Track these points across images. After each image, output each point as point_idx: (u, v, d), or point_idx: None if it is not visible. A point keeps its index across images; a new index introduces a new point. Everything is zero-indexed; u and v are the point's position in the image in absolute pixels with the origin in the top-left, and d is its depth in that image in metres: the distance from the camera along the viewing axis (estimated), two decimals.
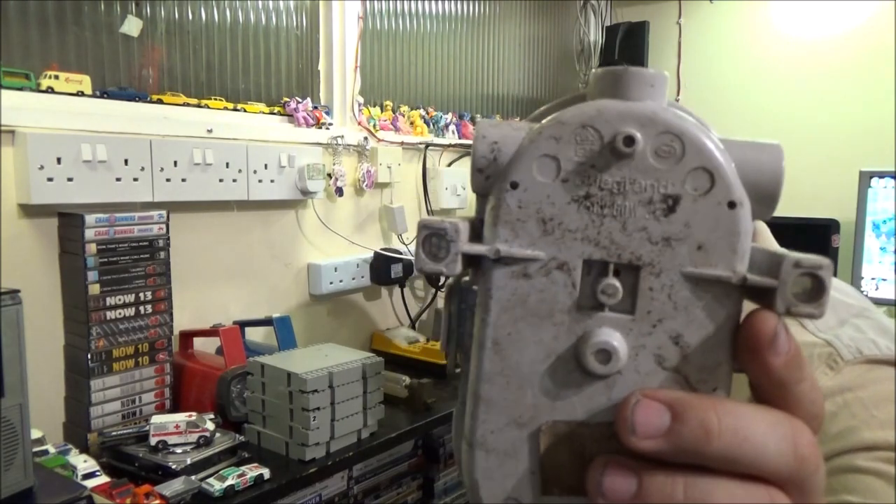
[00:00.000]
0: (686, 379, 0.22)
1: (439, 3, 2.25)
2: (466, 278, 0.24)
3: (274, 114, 1.76)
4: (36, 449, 1.10)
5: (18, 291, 0.90)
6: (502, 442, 0.22)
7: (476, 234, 0.23)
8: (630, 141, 0.21)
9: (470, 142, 2.25)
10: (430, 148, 2.10)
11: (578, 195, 0.22)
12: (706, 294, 0.21)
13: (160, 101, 1.52)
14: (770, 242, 0.75)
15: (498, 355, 0.22)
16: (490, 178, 0.22)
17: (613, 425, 0.21)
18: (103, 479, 1.10)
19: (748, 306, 0.22)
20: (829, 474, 0.56)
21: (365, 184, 1.89)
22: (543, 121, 0.22)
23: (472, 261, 0.23)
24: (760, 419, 0.21)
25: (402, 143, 2.00)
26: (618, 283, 0.22)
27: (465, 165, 2.22)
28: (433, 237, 0.22)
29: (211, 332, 1.48)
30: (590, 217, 0.22)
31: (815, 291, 0.21)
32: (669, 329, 0.22)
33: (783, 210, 0.88)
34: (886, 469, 0.54)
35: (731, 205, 0.21)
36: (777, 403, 0.22)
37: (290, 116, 1.77)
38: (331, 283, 1.81)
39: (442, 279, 1.89)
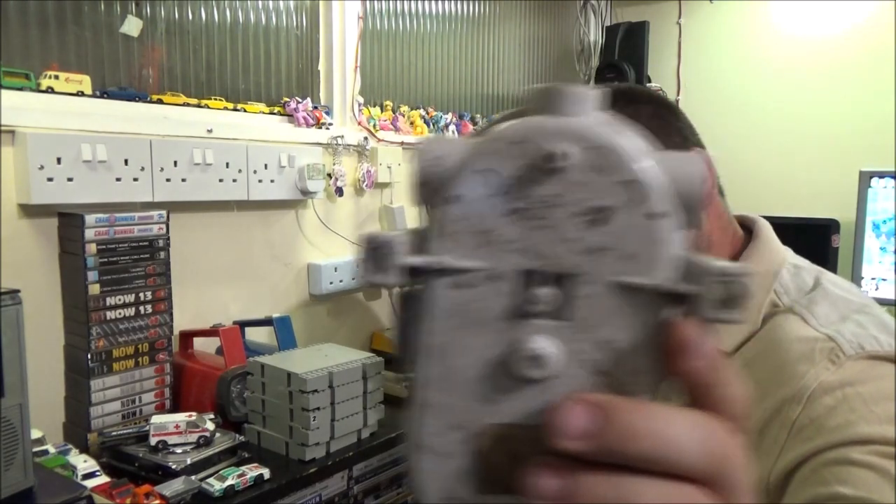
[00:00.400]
0: (616, 382, 0.22)
1: (439, 3, 2.25)
2: (416, 287, 0.24)
3: (274, 114, 1.76)
4: (36, 449, 1.10)
5: (18, 291, 0.90)
6: (444, 444, 0.23)
7: (422, 245, 0.23)
8: (561, 157, 0.22)
9: None
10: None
11: (514, 208, 0.22)
12: (634, 301, 0.22)
13: (160, 101, 1.52)
14: (772, 241, 0.74)
15: (439, 361, 0.23)
16: (432, 191, 0.23)
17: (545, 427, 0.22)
18: (103, 479, 1.10)
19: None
20: (824, 466, 0.57)
21: (365, 184, 1.89)
22: (483, 136, 0.23)
23: (416, 271, 0.23)
24: (681, 421, 0.22)
25: (402, 143, 2.00)
26: (550, 292, 0.22)
27: None
28: (376, 250, 0.23)
29: (211, 332, 1.48)
30: (525, 229, 0.22)
31: (738, 298, 0.22)
32: (600, 335, 0.22)
33: (783, 210, 0.89)
34: (880, 463, 0.54)
35: (657, 216, 0.22)
36: (702, 405, 0.23)
37: (290, 116, 1.77)
38: (331, 283, 1.81)
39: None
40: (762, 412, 0.62)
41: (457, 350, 0.23)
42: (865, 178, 2.23)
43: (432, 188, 0.23)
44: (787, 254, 0.74)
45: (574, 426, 0.21)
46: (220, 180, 1.52)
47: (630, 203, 0.22)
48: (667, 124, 0.73)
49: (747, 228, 0.76)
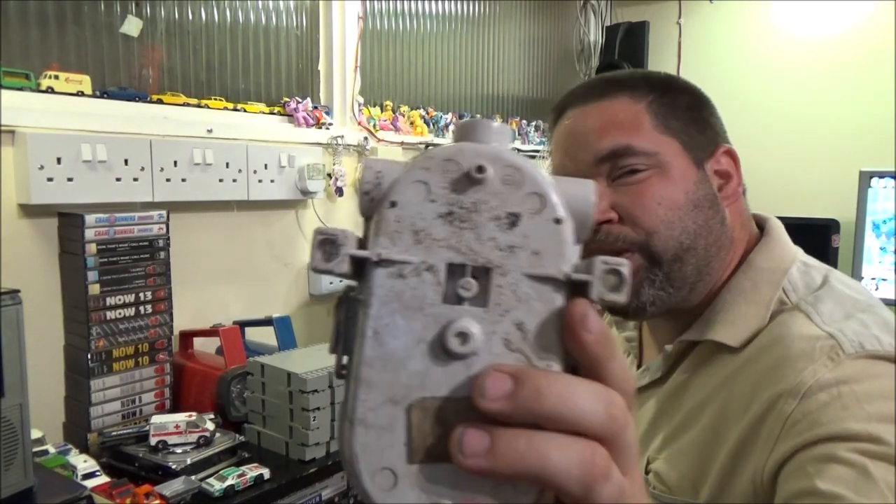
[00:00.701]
0: (527, 358, 0.27)
1: (439, 3, 2.25)
2: (353, 292, 0.29)
3: (274, 114, 1.76)
4: (36, 449, 1.10)
5: (18, 291, 0.90)
6: (380, 418, 0.26)
7: (362, 247, 0.28)
8: (481, 170, 0.27)
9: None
10: (430, 148, 2.10)
11: (443, 212, 0.27)
12: (541, 289, 0.27)
13: (160, 101, 1.52)
14: (783, 239, 0.75)
15: (377, 342, 0.27)
16: (374, 200, 0.27)
17: (470, 395, 0.26)
18: (103, 479, 1.10)
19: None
20: (809, 460, 0.58)
21: None
22: (416, 157, 0.28)
23: (357, 268, 0.27)
24: (582, 387, 0.26)
25: (402, 143, 2.00)
26: (472, 282, 0.27)
27: None
28: (326, 242, 0.27)
29: (211, 332, 1.48)
30: (452, 230, 0.27)
31: (620, 284, 0.27)
32: (514, 318, 0.27)
33: (783, 210, 0.90)
34: (860, 461, 0.55)
35: (557, 221, 0.27)
36: (594, 377, 0.27)
37: (290, 116, 1.77)
38: (331, 283, 1.81)
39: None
40: (760, 405, 0.63)
41: (393, 332, 0.27)
42: (865, 178, 2.23)
43: (374, 198, 0.27)
44: (798, 252, 0.74)
45: (493, 389, 0.25)
46: (220, 180, 1.52)
47: (536, 210, 0.27)
48: (701, 117, 0.75)
49: (761, 227, 0.78)
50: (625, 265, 0.27)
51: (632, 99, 0.73)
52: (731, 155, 0.76)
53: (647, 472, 0.74)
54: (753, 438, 0.63)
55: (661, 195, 0.70)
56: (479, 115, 2.41)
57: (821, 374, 0.61)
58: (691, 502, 0.69)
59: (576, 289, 0.27)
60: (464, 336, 0.26)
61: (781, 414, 0.61)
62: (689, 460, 0.70)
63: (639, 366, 0.83)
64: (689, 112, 0.74)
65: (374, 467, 0.26)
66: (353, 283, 0.28)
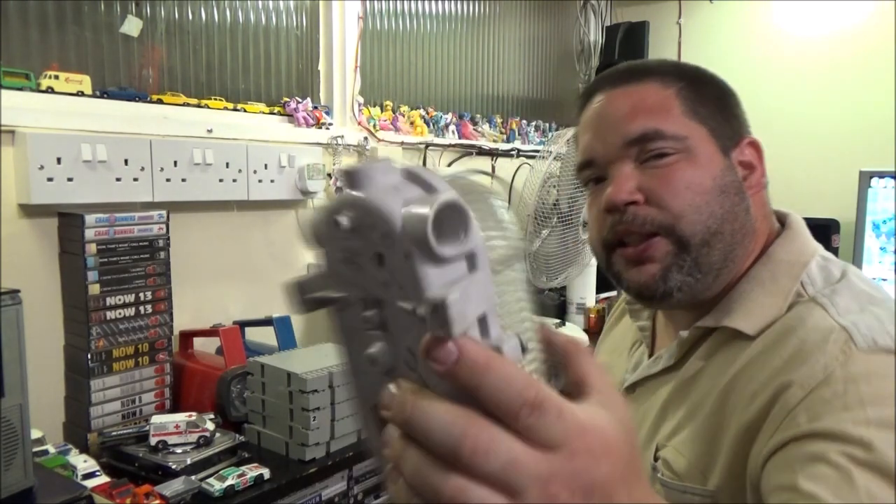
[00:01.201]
0: (421, 377, 0.30)
1: (439, 3, 2.25)
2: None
3: (274, 114, 1.76)
4: (36, 449, 1.10)
5: (18, 291, 0.90)
6: (361, 417, 0.35)
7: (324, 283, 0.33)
8: (336, 223, 0.29)
9: (470, 141, 2.26)
10: (430, 148, 2.10)
11: (342, 257, 0.31)
12: (413, 319, 0.28)
13: (160, 101, 1.52)
14: (803, 234, 0.76)
15: (348, 360, 0.34)
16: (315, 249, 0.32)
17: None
18: (103, 479, 1.10)
19: None
20: (798, 456, 0.58)
21: None
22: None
23: (322, 301, 0.33)
24: (439, 409, 0.29)
25: (402, 143, 2.00)
26: (372, 313, 0.30)
27: (465, 165, 2.22)
28: (294, 292, 0.32)
29: (211, 332, 1.48)
30: (352, 269, 0.30)
31: (447, 322, 0.27)
32: (406, 343, 0.30)
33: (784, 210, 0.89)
34: (847, 466, 0.55)
35: (407, 256, 0.28)
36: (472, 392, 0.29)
37: (290, 116, 1.77)
38: None
39: None
40: (768, 394, 0.63)
41: (350, 353, 0.33)
42: (865, 178, 2.23)
43: (313, 247, 0.32)
44: (818, 248, 0.75)
45: (387, 405, 0.30)
46: (220, 180, 1.52)
47: (390, 247, 0.29)
48: (727, 107, 0.76)
49: (781, 222, 0.79)
50: (450, 296, 0.27)
51: (662, 85, 0.74)
52: (756, 147, 0.77)
53: (655, 459, 0.74)
54: (759, 426, 0.64)
55: (688, 179, 0.70)
56: (478, 116, 2.41)
57: (830, 368, 0.61)
58: (699, 488, 0.69)
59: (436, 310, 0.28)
60: (373, 360, 0.31)
61: (787, 404, 0.61)
62: (698, 447, 0.70)
63: (650, 354, 0.84)
64: (716, 102, 0.75)
65: (378, 450, 0.33)
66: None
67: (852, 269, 0.72)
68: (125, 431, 1.24)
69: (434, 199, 0.28)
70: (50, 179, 1.26)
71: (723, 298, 0.74)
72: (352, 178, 0.30)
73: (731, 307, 0.72)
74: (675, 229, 0.70)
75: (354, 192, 0.29)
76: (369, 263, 0.30)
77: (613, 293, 2.26)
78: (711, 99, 0.75)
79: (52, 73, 1.33)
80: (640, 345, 0.87)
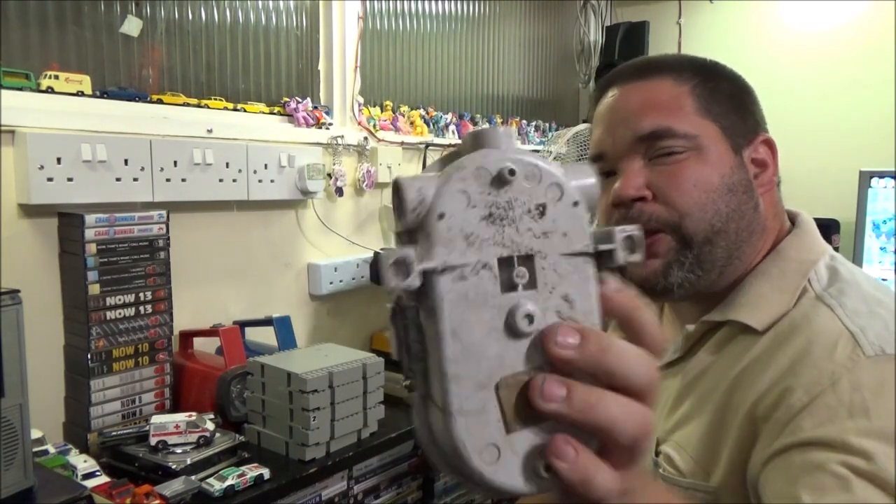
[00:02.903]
0: (578, 323, 0.31)
1: (439, 3, 2.25)
2: (404, 301, 0.32)
3: (274, 114, 1.76)
4: (36, 449, 1.10)
5: (18, 291, 0.90)
6: (474, 403, 0.30)
7: (421, 255, 0.30)
8: (512, 172, 0.30)
9: None
10: (430, 148, 2.10)
11: (484, 214, 0.31)
12: (576, 263, 0.32)
13: (160, 101, 1.52)
14: (812, 233, 0.77)
15: (455, 340, 0.30)
16: (420, 216, 0.30)
17: (542, 346, 0.30)
18: (103, 479, 1.10)
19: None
20: (799, 464, 0.58)
21: (365, 184, 1.89)
22: (447, 167, 0.31)
23: (424, 274, 0.30)
24: (633, 351, 0.31)
25: (402, 143, 2.00)
26: (523, 269, 0.31)
27: None
28: (398, 262, 0.30)
29: (211, 332, 1.48)
30: (495, 228, 0.31)
31: (636, 245, 0.32)
32: (561, 293, 0.31)
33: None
34: (846, 475, 0.55)
35: (575, 204, 0.32)
36: (629, 331, 0.32)
37: (290, 116, 1.77)
38: (331, 283, 1.81)
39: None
40: (774, 394, 0.64)
41: (467, 328, 0.30)
42: (865, 178, 2.23)
43: (420, 213, 0.30)
44: (828, 248, 0.75)
45: (565, 341, 0.30)
46: (220, 180, 1.52)
47: (558, 198, 0.31)
48: (742, 105, 0.77)
49: (793, 222, 0.79)
50: (636, 230, 0.32)
51: (676, 82, 0.74)
52: (770, 145, 0.78)
53: (656, 454, 0.74)
54: (762, 426, 0.64)
55: (696, 177, 0.71)
56: (478, 116, 2.41)
57: (838, 376, 0.61)
58: (702, 484, 0.69)
59: (603, 256, 0.32)
60: (530, 317, 0.30)
61: (791, 408, 0.61)
62: (703, 443, 0.70)
63: None
64: (731, 99, 0.75)
65: (480, 446, 0.30)
66: (402, 293, 0.31)
67: (859, 271, 0.72)
68: (125, 431, 1.24)
69: (586, 165, 0.33)
70: (50, 179, 1.26)
71: (730, 293, 0.74)
72: (490, 136, 0.32)
73: (738, 302, 0.72)
74: (679, 227, 0.71)
75: (501, 150, 0.31)
76: (525, 217, 0.31)
77: None
78: (725, 96, 0.75)
79: (52, 73, 1.32)
80: None
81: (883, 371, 0.60)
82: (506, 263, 0.31)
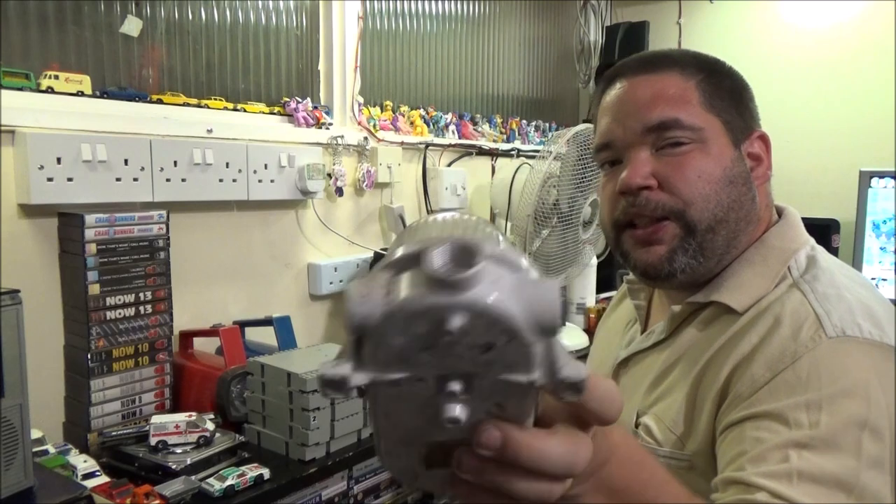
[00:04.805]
0: (505, 419, 0.34)
1: (439, 3, 2.25)
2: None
3: (274, 114, 1.76)
4: (36, 449, 1.10)
5: (18, 291, 0.90)
6: (397, 451, 0.37)
7: (360, 363, 0.32)
8: (454, 330, 0.29)
9: (470, 141, 2.26)
10: (430, 148, 2.10)
11: (426, 345, 0.31)
12: (515, 386, 0.32)
13: (160, 101, 1.52)
14: (796, 226, 0.80)
15: (386, 419, 0.36)
16: (363, 334, 0.31)
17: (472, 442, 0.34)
18: (103, 479, 1.10)
19: None
20: (750, 438, 0.63)
21: (365, 184, 1.89)
22: (400, 288, 0.30)
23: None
24: (551, 447, 0.34)
25: (402, 143, 2.00)
26: (458, 383, 0.32)
27: (465, 165, 2.22)
28: (330, 384, 0.32)
29: (211, 332, 1.48)
30: (435, 357, 0.31)
31: (576, 389, 0.32)
32: (494, 400, 0.33)
33: None
34: (787, 447, 0.60)
35: (527, 344, 0.31)
36: (579, 421, 0.36)
37: (290, 116, 1.77)
38: (331, 283, 1.81)
39: None
40: (741, 369, 0.68)
41: (397, 413, 0.35)
42: (865, 178, 2.22)
43: (362, 332, 0.31)
44: (811, 240, 0.80)
45: (488, 443, 0.33)
46: (220, 180, 1.52)
47: (508, 341, 0.31)
48: (742, 101, 0.80)
49: (780, 215, 0.83)
50: (582, 379, 0.32)
51: (682, 76, 0.77)
52: (765, 140, 0.81)
53: (636, 426, 0.78)
54: (726, 396, 0.69)
55: (701, 168, 0.74)
56: (478, 116, 2.41)
57: (799, 355, 0.65)
58: (678, 452, 0.73)
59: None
60: (455, 420, 0.32)
61: (756, 383, 0.66)
62: (679, 414, 0.74)
63: (643, 331, 0.87)
64: (732, 95, 0.79)
65: (402, 471, 0.38)
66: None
67: (837, 261, 0.77)
68: (125, 431, 1.24)
69: (550, 286, 0.31)
70: (50, 179, 1.26)
71: (715, 277, 0.77)
72: (455, 283, 0.30)
73: (721, 285, 0.76)
74: (684, 215, 0.74)
75: (455, 298, 0.29)
76: (467, 351, 0.31)
77: (613, 293, 2.25)
78: (728, 92, 0.79)
79: (52, 73, 1.32)
80: (635, 322, 0.90)
81: (840, 351, 0.64)
82: (444, 377, 0.32)
